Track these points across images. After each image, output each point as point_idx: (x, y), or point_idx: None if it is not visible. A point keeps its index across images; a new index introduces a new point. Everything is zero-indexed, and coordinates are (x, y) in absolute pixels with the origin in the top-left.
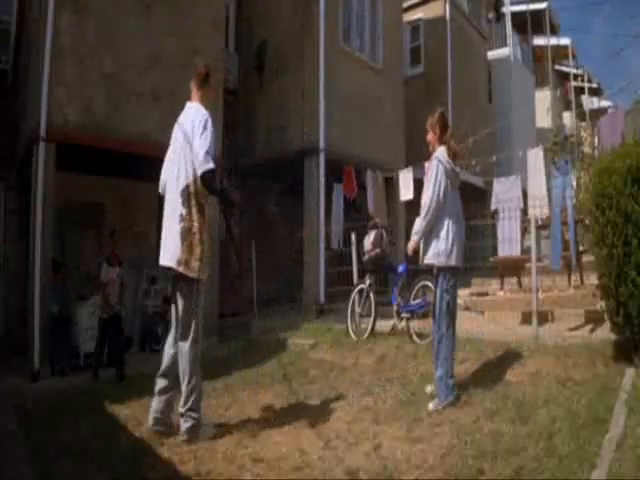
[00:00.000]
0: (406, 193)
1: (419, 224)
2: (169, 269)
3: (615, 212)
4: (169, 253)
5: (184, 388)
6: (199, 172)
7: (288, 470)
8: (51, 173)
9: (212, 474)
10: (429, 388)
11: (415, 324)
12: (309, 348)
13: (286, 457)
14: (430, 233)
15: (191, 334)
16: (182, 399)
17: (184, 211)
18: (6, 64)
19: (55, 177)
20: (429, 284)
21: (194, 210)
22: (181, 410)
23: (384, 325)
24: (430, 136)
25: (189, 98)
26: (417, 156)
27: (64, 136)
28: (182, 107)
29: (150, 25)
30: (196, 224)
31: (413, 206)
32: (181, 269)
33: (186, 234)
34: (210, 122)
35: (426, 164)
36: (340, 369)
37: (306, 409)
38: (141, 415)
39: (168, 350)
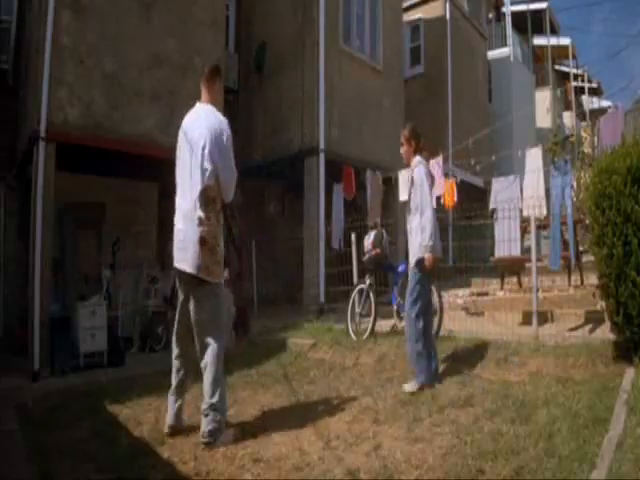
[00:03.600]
0: (405, 193)
1: (429, 228)
2: (190, 275)
3: (615, 212)
4: (188, 259)
5: (207, 385)
6: (229, 198)
7: (288, 470)
8: (51, 173)
9: (212, 474)
10: (407, 387)
11: None
12: (309, 348)
13: (286, 457)
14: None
15: (218, 332)
16: (205, 395)
17: (202, 215)
18: (6, 64)
19: (55, 177)
20: None
21: (212, 214)
22: (204, 407)
23: (384, 325)
24: (405, 149)
25: (198, 98)
26: None
27: (64, 136)
28: (182, 107)
29: (150, 25)
30: (214, 228)
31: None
32: (202, 275)
33: (205, 238)
34: (226, 126)
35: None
36: (340, 369)
37: (306, 409)
38: (141, 415)
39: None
